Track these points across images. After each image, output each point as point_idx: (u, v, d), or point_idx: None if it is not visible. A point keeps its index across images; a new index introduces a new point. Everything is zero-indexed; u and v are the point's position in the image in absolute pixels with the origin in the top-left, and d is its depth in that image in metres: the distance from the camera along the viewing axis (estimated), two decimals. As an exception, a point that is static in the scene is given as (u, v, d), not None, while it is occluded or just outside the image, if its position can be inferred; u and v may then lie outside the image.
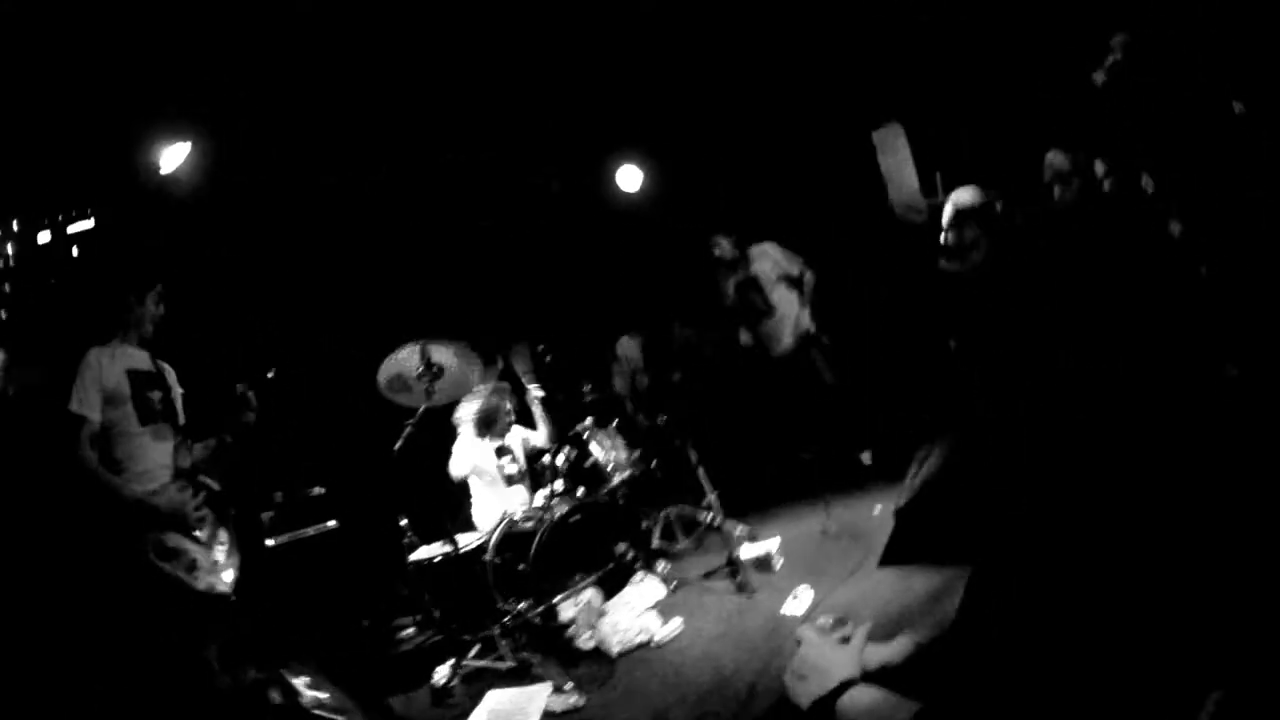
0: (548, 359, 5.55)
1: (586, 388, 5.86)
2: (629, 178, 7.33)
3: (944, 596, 1.96)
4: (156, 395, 3.33)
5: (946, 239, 3.79)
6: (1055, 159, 4.34)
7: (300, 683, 4.14)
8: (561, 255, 7.69)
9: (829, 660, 1.35)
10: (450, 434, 5.38)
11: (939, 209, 3.92)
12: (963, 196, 3.79)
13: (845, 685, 1.28)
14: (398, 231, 6.91)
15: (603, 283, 7.59)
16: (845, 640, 1.46)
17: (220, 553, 3.21)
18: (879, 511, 4.77)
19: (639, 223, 7.71)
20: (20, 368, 4.52)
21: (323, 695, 4.13)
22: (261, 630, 4.13)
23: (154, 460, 3.22)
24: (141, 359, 3.38)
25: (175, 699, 3.27)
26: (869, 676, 1.35)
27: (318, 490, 5.50)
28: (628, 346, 6.84)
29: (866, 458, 6.18)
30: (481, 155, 6.76)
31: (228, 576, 3.18)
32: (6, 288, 5.15)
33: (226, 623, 3.42)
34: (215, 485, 3.33)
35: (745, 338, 6.35)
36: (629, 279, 7.50)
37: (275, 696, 4.03)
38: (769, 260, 6.21)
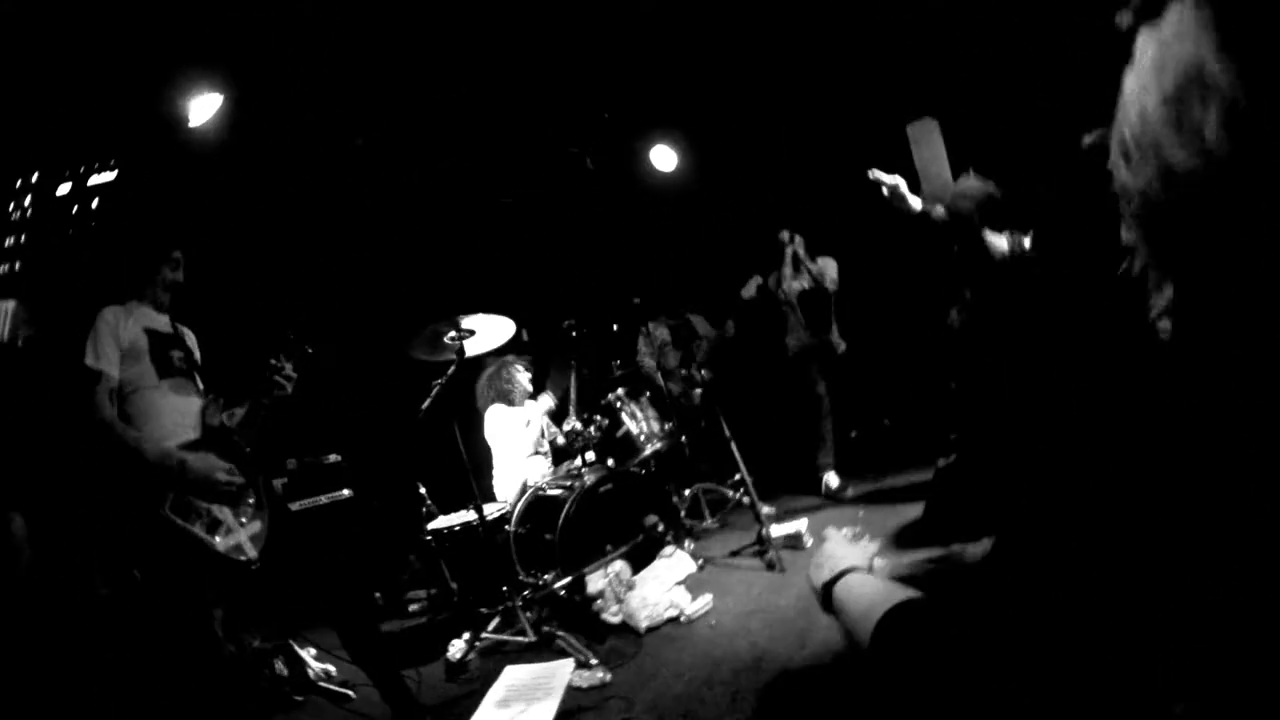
0: (574, 335, 5.37)
1: (616, 362, 5.69)
2: (663, 158, 7.16)
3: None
4: (177, 354, 3.15)
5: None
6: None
7: (307, 654, 4.03)
8: (593, 233, 7.56)
9: (842, 553, 1.51)
10: (472, 402, 5.21)
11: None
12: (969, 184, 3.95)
13: (848, 571, 1.44)
14: (428, 201, 6.77)
15: (633, 263, 7.41)
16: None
17: (247, 513, 3.01)
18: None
19: (671, 204, 7.61)
20: (29, 318, 4.39)
21: (330, 667, 4.02)
22: (271, 599, 4.02)
23: (176, 416, 3.01)
24: (160, 321, 3.19)
25: (176, 664, 3.11)
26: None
27: (334, 458, 5.35)
28: (655, 327, 6.66)
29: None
30: (516, 125, 6.59)
31: (253, 537, 2.98)
32: (21, 239, 4.97)
33: (242, 588, 3.26)
34: (246, 447, 3.11)
35: (798, 338, 6.22)
36: (661, 261, 7.35)
37: (280, 667, 3.93)
38: (832, 271, 6.11)
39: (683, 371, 6.50)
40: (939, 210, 3.79)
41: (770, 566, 4.26)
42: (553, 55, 5.99)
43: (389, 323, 4.83)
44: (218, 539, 2.86)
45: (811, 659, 3.09)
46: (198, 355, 3.30)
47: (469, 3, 5.29)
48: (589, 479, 4.44)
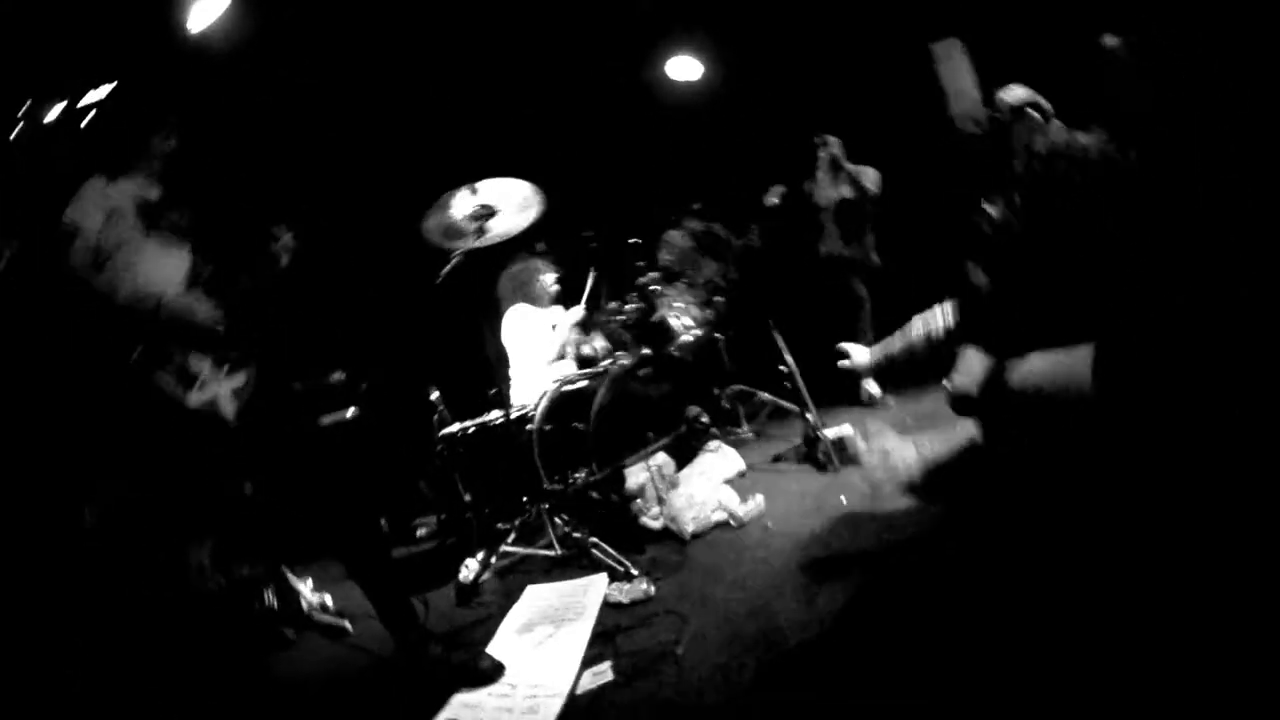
0: (593, 246, 5.04)
1: (641, 263, 5.23)
2: (685, 68, 7.03)
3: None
4: (168, 215, 2.86)
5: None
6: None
7: (302, 584, 3.75)
8: (612, 144, 7.30)
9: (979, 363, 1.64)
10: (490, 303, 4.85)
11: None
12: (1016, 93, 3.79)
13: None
14: (438, 104, 6.48)
15: (655, 175, 7.25)
16: None
17: (229, 362, 2.67)
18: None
19: (694, 115, 7.41)
20: (7, 233, 4.05)
21: (327, 597, 3.74)
22: (264, 527, 3.76)
23: (162, 270, 2.71)
24: (151, 190, 2.87)
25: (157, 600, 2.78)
26: None
27: (338, 375, 4.91)
28: (674, 236, 6.20)
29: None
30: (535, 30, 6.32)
31: (235, 390, 2.64)
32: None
33: (220, 446, 2.86)
34: (239, 298, 2.79)
35: (833, 247, 5.93)
36: (682, 171, 7.16)
37: (270, 598, 3.63)
38: (872, 175, 5.76)
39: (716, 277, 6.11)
40: None
41: (822, 467, 3.85)
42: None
43: (400, 202, 4.34)
44: (191, 394, 2.54)
45: (896, 552, 2.65)
46: (191, 222, 2.96)
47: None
48: (624, 361, 3.96)
